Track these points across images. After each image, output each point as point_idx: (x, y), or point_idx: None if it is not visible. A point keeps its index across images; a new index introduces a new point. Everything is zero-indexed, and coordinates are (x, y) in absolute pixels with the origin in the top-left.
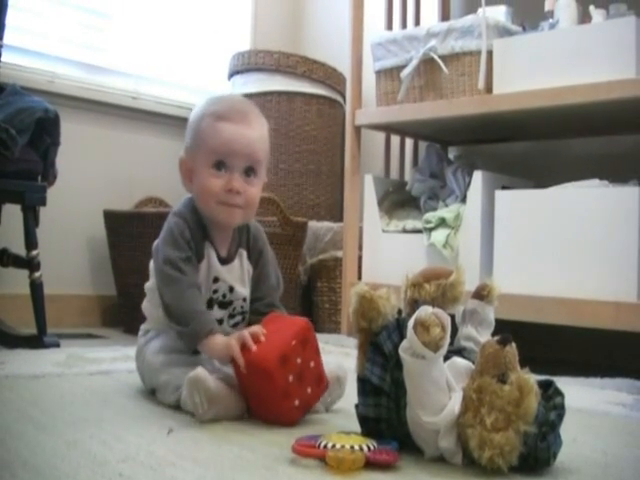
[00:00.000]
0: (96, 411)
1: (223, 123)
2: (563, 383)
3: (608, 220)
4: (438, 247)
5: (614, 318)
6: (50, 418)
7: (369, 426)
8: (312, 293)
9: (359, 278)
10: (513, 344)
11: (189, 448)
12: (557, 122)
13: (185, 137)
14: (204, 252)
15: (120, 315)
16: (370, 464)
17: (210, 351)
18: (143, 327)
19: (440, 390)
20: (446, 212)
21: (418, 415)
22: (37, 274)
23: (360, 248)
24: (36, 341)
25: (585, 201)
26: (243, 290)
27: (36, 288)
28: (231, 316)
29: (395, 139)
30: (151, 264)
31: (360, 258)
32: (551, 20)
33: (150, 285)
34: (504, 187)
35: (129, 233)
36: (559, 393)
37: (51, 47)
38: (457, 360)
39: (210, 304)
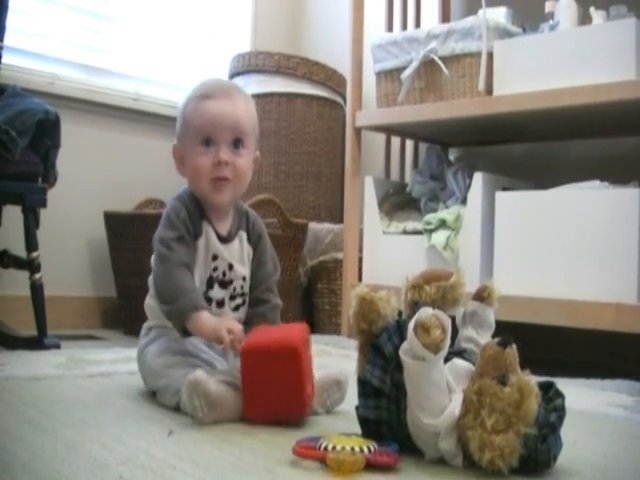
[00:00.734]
0: (96, 413)
1: (206, 101)
2: (563, 385)
3: (608, 222)
4: (438, 249)
5: (614, 320)
6: (50, 420)
7: (369, 428)
8: (312, 295)
9: (359, 280)
10: (513, 346)
11: (189, 450)
12: (557, 124)
13: (176, 126)
14: (202, 229)
15: (120, 317)
16: (370, 466)
17: (198, 328)
18: (145, 325)
19: (440, 392)
20: (446, 214)
21: (418, 417)
22: (37, 275)
23: (360, 250)
24: (36, 343)
25: (585, 203)
26: (242, 269)
27: (36, 290)
28: (232, 297)
29: (395, 141)
30: (152, 258)
31: (360, 260)
32: (551, 22)
33: (150, 279)
34: (504, 189)
35: (129, 235)
36: (559, 395)
37: (52, 49)
38: (457, 362)
39: (210, 283)
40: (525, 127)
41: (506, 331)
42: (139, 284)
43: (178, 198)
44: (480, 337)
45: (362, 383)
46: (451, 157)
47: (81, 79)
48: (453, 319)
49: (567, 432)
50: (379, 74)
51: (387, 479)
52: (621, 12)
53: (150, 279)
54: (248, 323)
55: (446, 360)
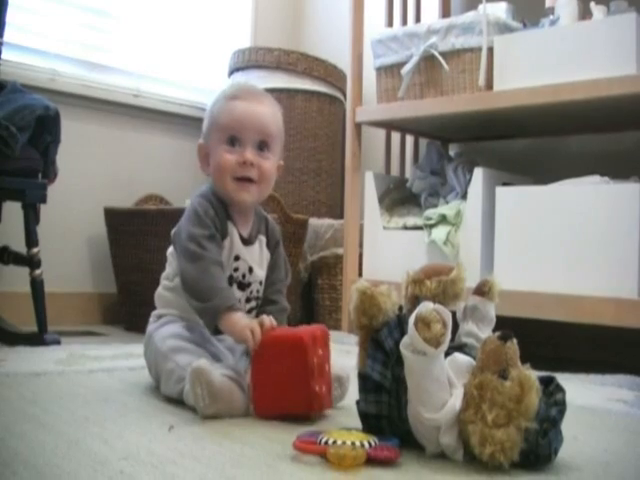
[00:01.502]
0: (97, 409)
1: (235, 101)
2: (564, 380)
3: (609, 217)
4: (439, 244)
5: (615, 315)
6: (51, 416)
7: (370, 423)
8: (313, 290)
9: (360, 275)
10: (514, 340)
11: (190, 445)
12: (558, 119)
13: (203, 125)
14: (227, 230)
15: (121, 313)
16: (371, 460)
17: (230, 326)
18: (155, 313)
19: (441, 387)
20: (447, 209)
21: (419, 412)
22: (38, 272)
23: (361, 245)
24: (37, 339)
25: (586, 198)
26: (261, 272)
27: (37, 286)
28: (248, 300)
29: (396, 136)
30: (169, 251)
31: (361, 255)
32: (552, 17)
33: (167, 273)
34: (505, 184)
35: (130, 231)
36: (560, 389)
37: (52, 45)
38: (458, 356)
39: (230, 282)
40: (525, 122)
41: (507, 326)
42: (139, 280)
43: (203, 196)
44: (481, 332)
45: (363, 378)
46: (451, 152)
47: (81, 75)
48: (454, 314)
49: (568, 427)
50: (379, 69)
51: (388, 474)
52: (621, 7)
53: (165, 273)
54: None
55: (447, 355)
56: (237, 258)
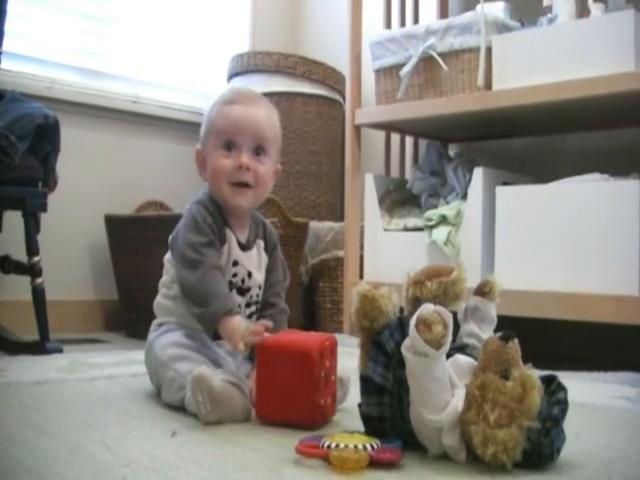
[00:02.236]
0: (99, 416)
1: (231, 106)
2: (566, 378)
3: (609, 214)
4: (439, 245)
5: (616, 312)
6: (53, 424)
7: (372, 425)
8: (314, 293)
9: (361, 277)
10: (515, 340)
11: (192, 451)
12: (557, 117)
13: (200, 131)
14: (226, 236)
15: (122, 319)
16: (374, 463)
17: (229, 333)
18: (155, 322)
19: (443, 388)
20: (447, 209)
21: (421, 413)
22: (39, 280)
23: (361, 247)
24: (38, 347)
25: (586, 195)
26: (259, 277)
27: (38, 294)
28: (248, 305)
29: (395, 137)
30: (166, 257)
31: (362, 257)
32: (550, 15)
33: (165, 280)
34: (505, 183)
35: (130, 237)
36: (562, 388)
37: (50, 53)
38: (459, 357)
39: (229, 288)
40: (525, 121)
41: (508, 326)
42: (141, 286)
43: (200, 203)
44: (482, 332)
45: (364, 380)
46: (451, 153)
47: (80, 83)
48: (455, 314)
49: (570, 425)
50: (378, 71)
51: (391, 476)
52: (619, 4)
53: (162, 280)
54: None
55: (448, 356)
56: (235, 263)
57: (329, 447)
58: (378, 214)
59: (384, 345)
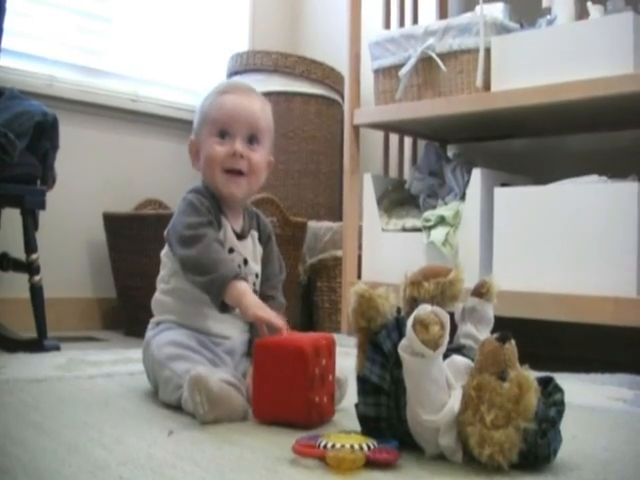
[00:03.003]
0: (97, 414)
1: (225, 96)
2: (563, 379)
3: (607, 215)
4: (437, 245)
5: (614, 314)
6: (51, 422)
7: (369, 425)
8: (312, 293)
9: (359, 277)
10: (512, 341)
11: (189, 450)
12: (555, 118)
13: (193, 123)
14: (221, 222)
15: (120, 318)
16: (370, 463)
17: (239, 298)
18: (153, 320)
19: (440, 388)
20: (445, 210)
21: (418, 413)
22: (37, 278)
23: (360, 247)
24: (36, 345)
25: (584, 197)
26: (255, 266)
27: (36, 292)
28: None
29: (394, 138)
30: (162, 252)
31: (360, 257)
32: (549, 16)
33: (162, 275)
34: (503, 184)
35: (129, 235)
36: (559, 389)
37: (49, 51)
38: (456, 358)
39: None
40: (523, 122)
41: (505, 326)
42: (139, 285)
43: (196, 191)
44: (479, 333)
45: (361, 380)
46: (449, 153)
47: (79, 81)
48: (452, 315)
49: (567, 426)
50: (377, 71)
51: (387, 476)
52: (618, 6)
53: (160, 276)
54: None
55: (445, 356)
56: (231, 250)
57: (326, 447)
58: (376, 214)
59: (381, 345)
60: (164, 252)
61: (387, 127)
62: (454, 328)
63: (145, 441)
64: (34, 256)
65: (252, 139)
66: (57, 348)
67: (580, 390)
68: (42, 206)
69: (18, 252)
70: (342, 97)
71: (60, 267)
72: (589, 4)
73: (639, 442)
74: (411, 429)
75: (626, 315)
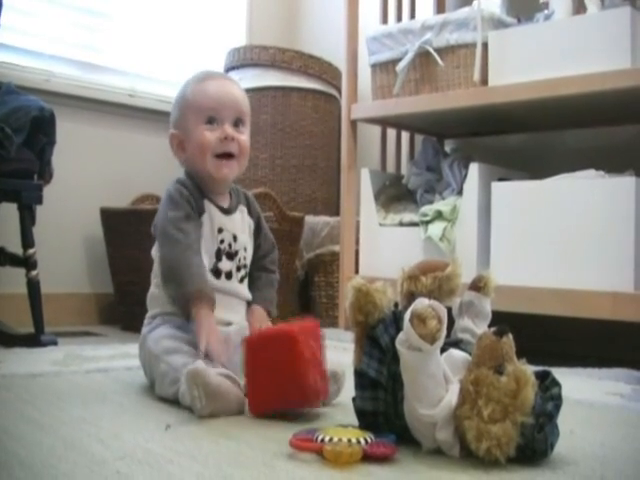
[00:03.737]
0: (94, 409)
1: (208, 82)
2: (561, 374)
3: (604, 211)
4: (435, 240)
5: (611, 309)
6: (47, 417)
7: (366, 419)
8: (309, 288)
9: (356, 272)
10: (510, 335)
11: (187, 444)
12: (553, 113)
13: (171, 115)
14: (204, 207)
15: (117, 313)
16: (367, 457)
17: (199, 324)
18: (149, 315)
19: (437, 383)
20: (442, 205)
21: (415, 408)
22: (34, 273)
23: (357, 242)
24: (33, 340)
25: (581, 192)
26: (245, 238)
27: (33, 287)
28: (238, 269)
29: (391, 133)
30: (152, 250)
31: (357, 252)
32: (546, 11)
33: (155, 269)
34: (500, 179)
35: (126, 230)
36: (556, 384)
37: (46, 46)
38: (454, 352)
39: (219, 255)
40: (521, 117)
41: (502, 321)
42: (136, 280)
43: (177, 181)
44: (476, 327)
45: (359, 375)
46: (447, 148)
47: (76, 76)
48: (449, 310)
49: (564, 421)
50: (374, 66)
51: (384, 470)
52: (615, 1)
53: (153, 270)
54: (253, 292)
55: (442, 351)
56: (220, 230)
57: (323, 441)
58: (374, 209)
59: (378, 339)
60: (154, 249)
61: (384, 122)
62: (451, 322)
63: (142, 436)
64: (31, 251)
65: (238, 122)
66: (54, 343)
67: (578, 385)
68: (39, 201)
69: (15, 247)
70: (339, 92)
71: (57, 262)
72: None
73: (636, 437)
74: (408, 423)
75: (624, 310)
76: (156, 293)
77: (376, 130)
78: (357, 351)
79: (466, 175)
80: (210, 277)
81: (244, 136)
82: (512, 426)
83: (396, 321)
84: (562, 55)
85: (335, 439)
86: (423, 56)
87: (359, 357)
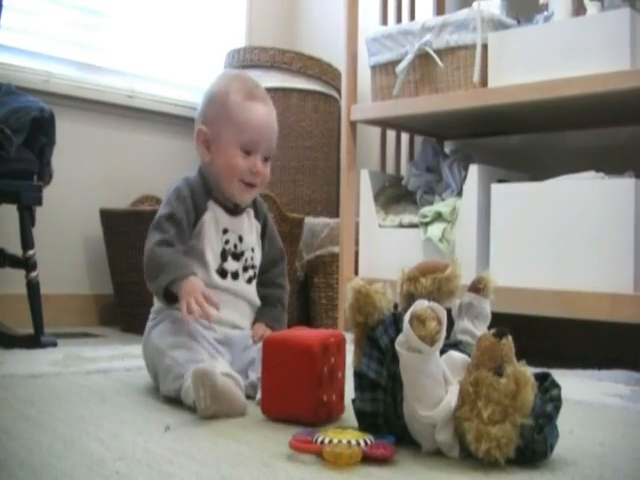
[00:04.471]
0: (93, 410)
1: (252, 102)
2: (560, 375)
3: (604, 212)
4: (434, 241)
5: (610, 310)
6: (47, 417)
7: (366, 421)
8: (309, 289)
9: (356, 273)
10: (509, 337)
11: (186, 445)
12: (553, 115)
13: (203, 108)
14: (207, 206)
15: (117, 314)
16: (367, 459)
17: (179, 292)
18: (153, 309)
19: (437, 384)
20: (442, 206)
21: (415, 409)
22: (34, 274)
23: (357, 243)
24: (33, 341)
25: (581, 193)
26: (251, 239)
27: (33, 288)
28: (245, 269)
29: (391, 134)
30: None
31: (357, 253)
32: (546, 13)
33: None
34: (500, 180)
35: (125, 231)
36: (555, 385)
37: (46, 46)
38: (453, 354)
39: (224, 255)
40: (520, 118)
41: (502, 322)
42: (136, 280)
43: (184, 179)
44: (476, 329)
45: (358, 376)
46: (447, 149)
47: (76, 76)
48: (449, 311)
49: (564, 422)
50: (374, 67)
51: (384, 472)
52: (615, 2)
53: None
54: (265, 303)
55: (442, 352)
56: (225, 231)
57: (322, 442)
58: (373, 210)
59: (378, 341)
60: None
61: (384, 123)
62: (451, 324)
63: (142, 436)
64: (31, 252)
65: (267, 156)
66: (54, 344)
67: (577, 386)
68: (39, 202)
69: (15, 248)
70: (339, 93)
71: (57, 263)
72: (586, 0)
73: (635, 438)
74: (408, 425)
75: (623, 311)
76: None
77: (376, 131)
78: (357, 352)
79: (466, 176)
80: (216, 278)
81: (268, 169)
82: (512, 427)
83: (396, 322)
84: (562, 56)
85: (335, 440)
86: (423, 57)
87: (359, 358)
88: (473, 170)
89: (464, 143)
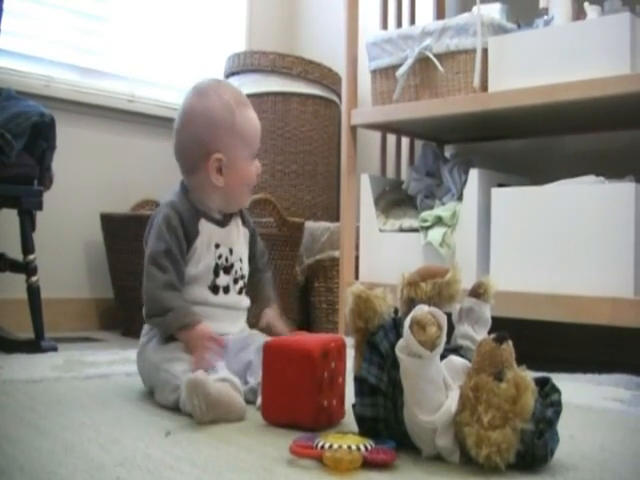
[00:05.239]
0: (94, 415)
1: (247, 110)
2: (560, 380)
3: (604, 216)
4: (435, 246)
5: (611, 314)
6: (47, 422)
7: (366, 426)
8: (309, 293)
9: (356, 278)
10: (509, 342)
11: (186, 450)
12: (553, 119)
13: (211, 138)
14: (198, 229)
15: (118, 318)
16: (367, 464)
17: (185, 341)
18: (146, 325)
19: (437, 389)
20: (442, 210)
21: (415, 414)
22: (34, 278)
23: (357, 248)
24: (33, 345)
25: (581, 197)
26: (240, 249)
27: (33, 292)
28: (235, 281)
29: (391, 138)
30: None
31: (357, 258)
32: (546, 17)
33: None
34: (500, 185)
35: (126, 236)
36: (556, 390)
37: (46, 51)
38: (454, 359)
39: (217, 271)
40: (520, 123)
41: (502, 327)
42: (136, 285)
43: (170, 205)
44: (476, 333)
45: (359, 381)
46: (447, 154)
47: (76, 81)
48: (449, 316)
49: (564, 427)
50: (374, 72)
51: (384, 477)
52: (615, 6)
53: None
54: (255, 294)
55: (442, 357)
56: (217, 246)
57: (323, 447)
58: (374, 214)
59: (378, 346)
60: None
61: (384, 127)
62: (451, 329)
63: (142, 441)
64: (31, 257)
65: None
66: (54, 349)
67: (577, 391)
68: (39, 207)
69: (15, 253)
70: (339, 97)
71: (57, 268)
72: (586, 4)
73: (636, 442)
74: (408, 430)
75: (623, 316)
76: None
77: (376, 135)
78: (357, 357)
79: (466, 180)
80: (208, 294)
81: None
82: (512, 432)
83: (396, 327)
84: (562, 61)
85: (335, 445)
86: (423, 62)
87: (359, 363)
88: (473, 174)
89: (464, 147)
